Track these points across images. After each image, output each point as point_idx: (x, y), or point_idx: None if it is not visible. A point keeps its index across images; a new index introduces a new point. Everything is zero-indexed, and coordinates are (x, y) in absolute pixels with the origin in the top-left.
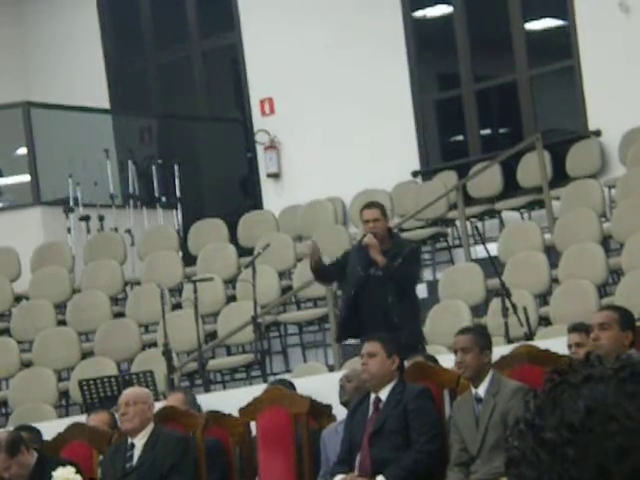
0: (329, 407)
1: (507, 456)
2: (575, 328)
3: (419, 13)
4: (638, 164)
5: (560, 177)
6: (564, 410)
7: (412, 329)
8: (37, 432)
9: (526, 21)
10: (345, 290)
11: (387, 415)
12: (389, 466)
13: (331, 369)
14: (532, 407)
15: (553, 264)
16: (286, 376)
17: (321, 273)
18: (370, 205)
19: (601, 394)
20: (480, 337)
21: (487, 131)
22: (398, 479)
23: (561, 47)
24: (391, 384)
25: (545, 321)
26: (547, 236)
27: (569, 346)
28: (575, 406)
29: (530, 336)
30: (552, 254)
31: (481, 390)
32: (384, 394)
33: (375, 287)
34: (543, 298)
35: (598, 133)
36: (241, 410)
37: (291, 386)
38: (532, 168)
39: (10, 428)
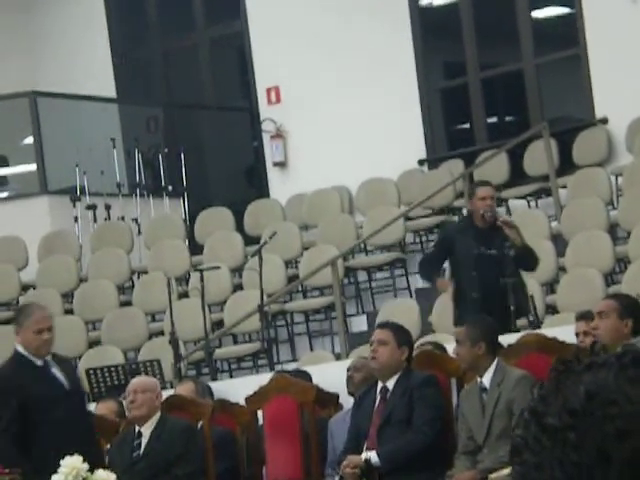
0: (336, 396)
1: (511, 444)
2: (582, 316)
3: (425, 1)
4: None
5: (567, 165)
6: (566, 396)
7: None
8: None
9: (532, 9)
10: (459, 272)
11: (394, 405)
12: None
13: (338, 357)
14: (537, 396)
15: (560, 252)
16: (292, 365)
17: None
18: (486, 183)
19: (602, 379)
20: (472, 330)
21: (493, 119)
22: (389, 455)
23: (568, 35)
24: (398, 374)
25: (552, 309)
26: (554, 224)
27: (576, 334)
28: (576, 391)
29: (537, 324)
30: (559, 242)
31: (486, 379)
32: (391, 383)
33: (488, 266)
34: (550, 286)
35: (605, 121)
36: (248, 399)
37: (306, 376)
38: (539, 156)
39: None
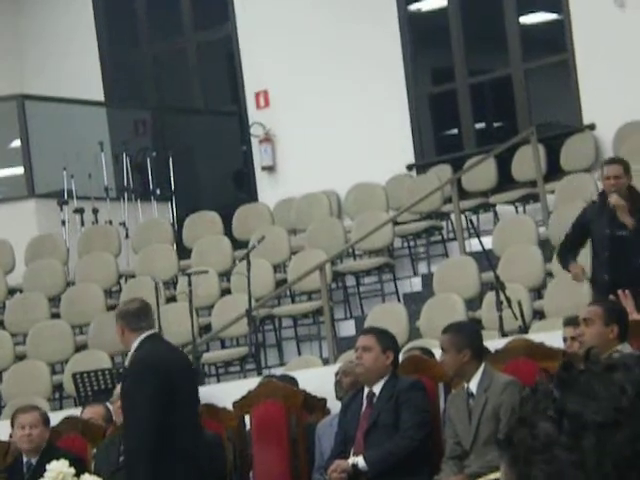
0: (323, 400)
1: (527, 445)
2: (570, 322)
3: (414, 7)
4: (632, 158)
5: (554, 171)
6: (609, 394)
7: None
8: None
9: (520, 15)
10: (595, 249)
11: (381, 409)
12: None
13: (326, 362)
14: (557, 395)
15: (547, 258)
16: (280, 369)
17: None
18: (612, 161)
19: (638, 377)
20: (457, 337)
21: (482, 125)
22: (376, 460)
23: (555, 41)
24: (385, 379)
25: (539, 315)
26: (541, 230)
27: (564, 339)
28: (622, 389)
29: (525, 330)
30: (546, 248)
31: (472, 385)
32: (377, 388)
33: (620, 248)
34: (537, 292)
35: (592, 127)
36: (235, 403)
37: (293, 381)
38: (526, 162)
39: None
